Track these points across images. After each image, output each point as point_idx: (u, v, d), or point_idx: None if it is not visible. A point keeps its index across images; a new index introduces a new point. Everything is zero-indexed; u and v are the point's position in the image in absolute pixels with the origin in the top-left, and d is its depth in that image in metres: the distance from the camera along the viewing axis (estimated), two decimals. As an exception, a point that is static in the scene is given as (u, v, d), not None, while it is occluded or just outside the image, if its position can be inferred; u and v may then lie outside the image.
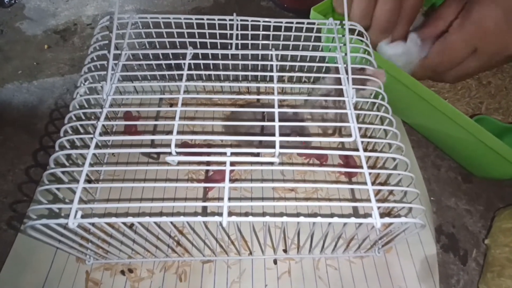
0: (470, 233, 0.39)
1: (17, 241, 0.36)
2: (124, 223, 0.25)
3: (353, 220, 0.24)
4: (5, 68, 0.54)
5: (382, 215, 0.24)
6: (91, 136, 0.28)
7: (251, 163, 0.40)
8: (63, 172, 0.29)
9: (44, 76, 0.53)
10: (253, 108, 0.40)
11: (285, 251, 0.36)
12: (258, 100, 0.47)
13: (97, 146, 0.29)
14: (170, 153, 0.27)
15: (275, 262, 0.35)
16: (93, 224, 0.25)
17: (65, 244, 0.29)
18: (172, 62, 0.36)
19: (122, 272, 0.34)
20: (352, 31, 0.39)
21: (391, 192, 0.39)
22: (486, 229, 0.39)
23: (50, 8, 0.63)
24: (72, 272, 0.34)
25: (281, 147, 0.27)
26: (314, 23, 0.40)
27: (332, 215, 0.38)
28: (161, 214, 0.37)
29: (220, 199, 0.40)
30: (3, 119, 0.47)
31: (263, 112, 0.40)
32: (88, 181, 0.39)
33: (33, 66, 0.54)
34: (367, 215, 0.25)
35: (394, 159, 0.32)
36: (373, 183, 0.26)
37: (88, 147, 0.28)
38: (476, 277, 0.36)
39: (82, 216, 0.24)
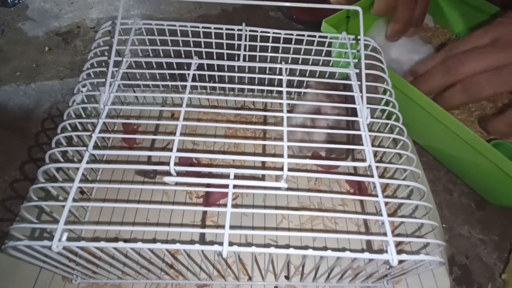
0: (485, 265, 0.37)
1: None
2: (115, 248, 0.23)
3: (366, 255, 0.22)
4: (3, 69, 0.52)
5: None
6: (84, 148, 0.26)
7: (256, 188, 0.38)
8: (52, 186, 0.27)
9: (42, 79, 0.51)
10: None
11: (287, 277, 0.34)
12: (265, 117, 0.45)
13: (91, 160, 0.27)
14: (168, 173, 0.25)
15: (276, 289, 0.33)
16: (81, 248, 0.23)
17: (49, 264, 0.27)
18: (176, 72, 0.34)
19: (111, 294, 0.32)
20: (366, 47, 0.37)
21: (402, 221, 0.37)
22: (502, 261, 0.37)
23: (54, 10, 0.62)
24: (57, 292, 0.31)
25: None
26: (326, 37, 0.38)
27: (342, 249, 0.35)
28: (154, 239, 0.35)
29: (220, 226, 0.37)
30: (-3, 121, 0.46)
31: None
32: (81, 192, 0.37)
33: (32, 68, 0.53)
34: (379, 249, 0.23)
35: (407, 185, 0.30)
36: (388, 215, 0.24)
37: (81, 158, 0.26)
38: (492, 315, 0.33)
39: (69, 238, 0.22)
